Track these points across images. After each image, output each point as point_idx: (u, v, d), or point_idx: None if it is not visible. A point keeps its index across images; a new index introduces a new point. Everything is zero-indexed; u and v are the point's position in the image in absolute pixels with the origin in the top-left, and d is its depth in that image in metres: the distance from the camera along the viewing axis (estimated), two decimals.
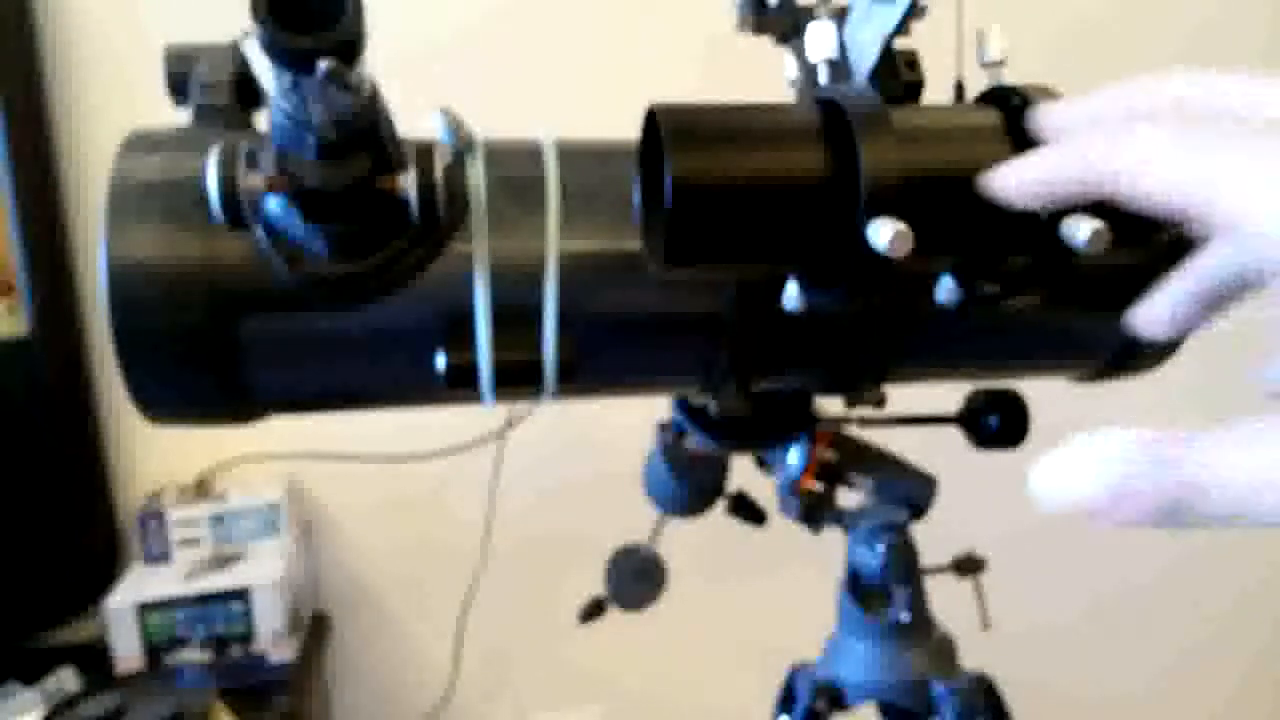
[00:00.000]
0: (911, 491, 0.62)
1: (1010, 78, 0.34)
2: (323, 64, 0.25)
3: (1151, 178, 0.22)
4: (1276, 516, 0.20)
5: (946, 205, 0.28)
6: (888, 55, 0.35)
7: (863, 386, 0.43)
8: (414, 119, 0.33)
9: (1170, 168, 0.22)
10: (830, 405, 0.51)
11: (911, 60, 0.36)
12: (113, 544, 1.11)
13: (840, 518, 0.62)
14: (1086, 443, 0.21)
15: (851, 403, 0.45)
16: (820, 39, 0.34)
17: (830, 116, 0.29)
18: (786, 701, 0.65)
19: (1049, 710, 1.36)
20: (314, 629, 1.13)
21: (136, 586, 1.00)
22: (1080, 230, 0.26)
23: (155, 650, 0.98)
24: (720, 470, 0.67)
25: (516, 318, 0.32)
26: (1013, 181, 0.26)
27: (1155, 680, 1.43)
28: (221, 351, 0.31)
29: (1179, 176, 0.22)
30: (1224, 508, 0.20)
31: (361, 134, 0.28)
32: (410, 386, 0.35)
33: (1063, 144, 0.25)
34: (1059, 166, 0.25)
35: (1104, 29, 1.21)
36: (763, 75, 0.45)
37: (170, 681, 0.97)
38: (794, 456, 0.59)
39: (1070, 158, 0.24)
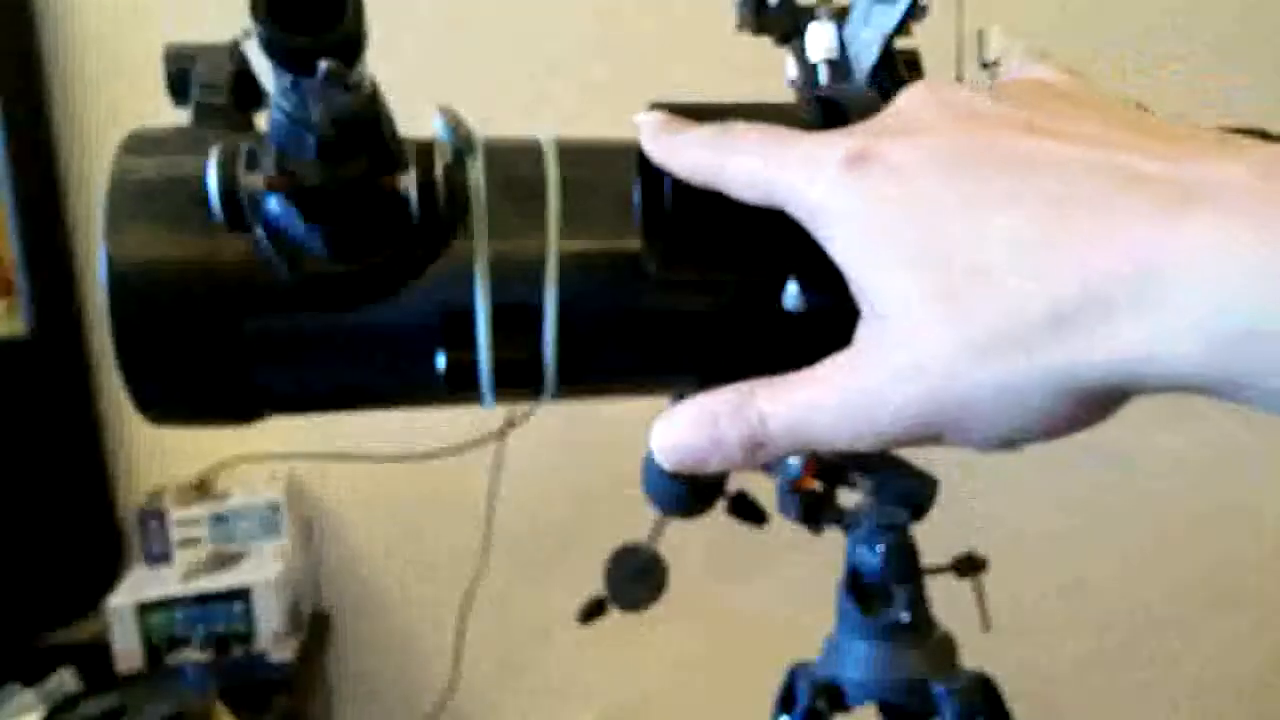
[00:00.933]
0: (911, 491, 0.62)
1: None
2: (323, 64, 0.25)
3: (731, 171, 0.26)
4: (830, 436, 0.23)
5: None
6: (888, 55, 0.35)
7: None
8: (413, 118, 0.33)
9: (743, 165, 0.25)
10: None
11: (911, 60, 0.36)
12: (113, 544, 1.12)
13: (840, 518, 0.62)
14: (684, 406, 0.25)
15: None
16: (820, 39, 0.34)
17: (830, 116, 0.29)
18: (786, 701, 0.65)
19: (1049, 710, 1.37)
20: (314, 629, 1.13)
21: (137, 586, 1.01)
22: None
23: (155, 650, 0.98)
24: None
25: (516, 318, 0.32)
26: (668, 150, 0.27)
27: (1156, 679, 1.43)
28: (221, 352, 0.31)
29: (748, 170, 0.25)
30: (786, 436, 0.24)
31: (361, 133, 0.28)
32: (410, 386, 0.35)
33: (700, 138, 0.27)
34: (695, 155, 0.27)
35: (1103, 27, 1.21)
36: (762, 75, 0.45)
37: (170, 681, 0.96)
38: (794, 456, 0.59)
39: (694, 150, 0.27)
